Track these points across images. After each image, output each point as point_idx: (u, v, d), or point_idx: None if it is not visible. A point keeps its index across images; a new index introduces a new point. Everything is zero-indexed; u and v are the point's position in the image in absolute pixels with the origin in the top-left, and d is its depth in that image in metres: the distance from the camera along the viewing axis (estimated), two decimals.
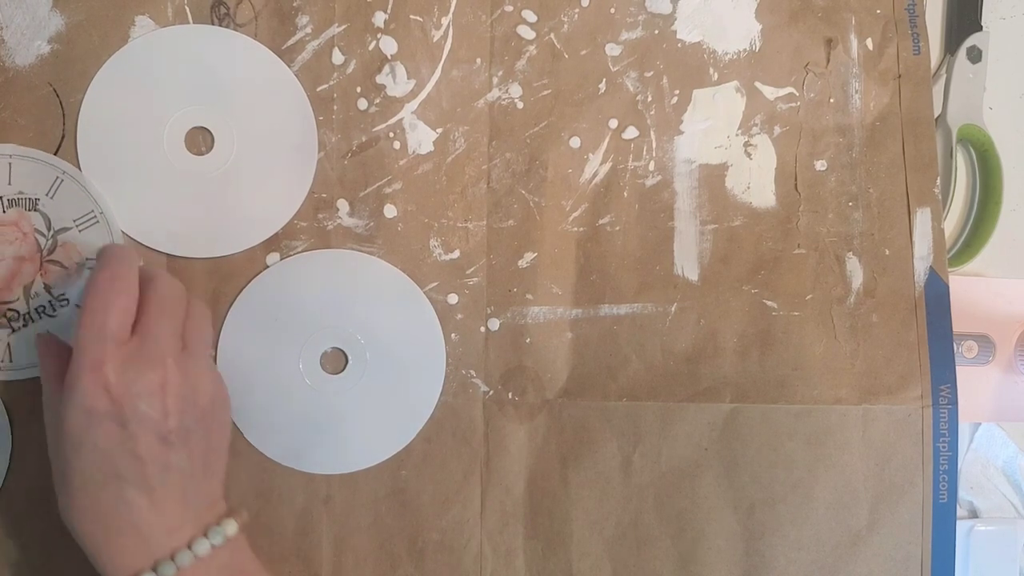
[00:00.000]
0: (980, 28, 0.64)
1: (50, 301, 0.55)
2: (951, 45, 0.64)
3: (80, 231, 0.55)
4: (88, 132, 0.56)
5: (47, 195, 0.55)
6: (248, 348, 0.57)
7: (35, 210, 0.55)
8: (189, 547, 0.47)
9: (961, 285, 0.61)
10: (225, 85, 0.57)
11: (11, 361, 0.55)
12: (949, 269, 0.61)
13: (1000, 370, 0.62)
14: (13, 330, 0.55)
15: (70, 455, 0.46)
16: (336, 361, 0.58)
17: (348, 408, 0.58)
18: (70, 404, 0.45)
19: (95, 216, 0.56)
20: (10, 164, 0.55)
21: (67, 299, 0.56)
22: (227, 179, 0.57)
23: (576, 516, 0.59)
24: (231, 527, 0.49)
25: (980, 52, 0.64)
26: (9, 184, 0.55)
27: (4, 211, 0.55)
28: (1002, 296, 0.63)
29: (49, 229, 0.55)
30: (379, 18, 0.59)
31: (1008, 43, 0.64)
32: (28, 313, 0.55)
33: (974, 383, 0.61)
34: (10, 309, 0.55)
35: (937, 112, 0.63)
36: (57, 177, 0.56)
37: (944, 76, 0.63)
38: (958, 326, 0.60)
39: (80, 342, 0.46)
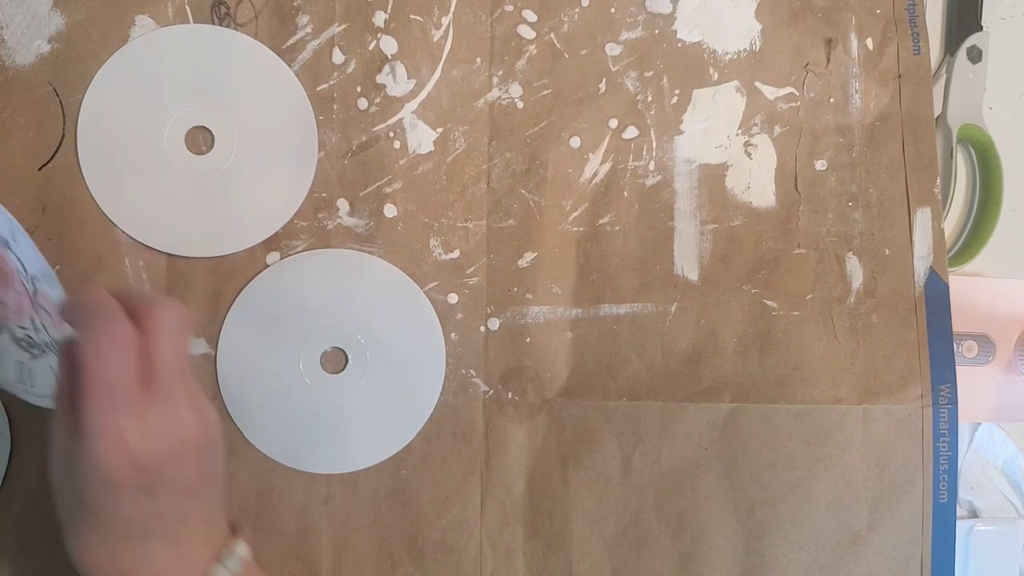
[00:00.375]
0: (980, 28, 0.64)
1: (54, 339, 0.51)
2: (951, 45, 0.64)
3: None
4: (88, 132, 0.56)
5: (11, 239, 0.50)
6: (248, 347, 0.57)
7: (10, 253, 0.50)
8: None
9: (961, 285, 0.61)
10: (225, 85, 0.57)
11: (33, 386, 0.52)
12: (949, 269, 0.61)
13: (1000, 370, 0.62)
14: (32, 355, 0.52)
15: (86, 516, 0.43)
16: (336, 361, 0.58)
17: (348, 408, 0.58)
18: (89, 471, 0.41)
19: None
20: None
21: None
22: (227, 178, 0.57)
23: (576, 516, 0.59)
24: (242, 548, 0.47)
25: (980, 52, 0.63)
26: None
27: None
28: (1002, 296, 0.63)
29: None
30: (379, 18, 0.59)
31: (1008, 43, 0.64)
32: (48, 343, 0.52)
33: (974, 383, 0.61)
34: (28, 336, 0.51)
35: (937, 112, 0.63)
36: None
37: (944, 76, 0.63)
38: (958, 326, 0.60)
39: (92, 413, 0.40)
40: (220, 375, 0.57)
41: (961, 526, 0.60)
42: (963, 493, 0.62)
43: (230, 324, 0.57)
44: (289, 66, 0.58)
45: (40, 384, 0.52)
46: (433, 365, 0.58)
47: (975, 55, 0.63)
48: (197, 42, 0.57)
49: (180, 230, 0.57)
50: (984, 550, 0.61)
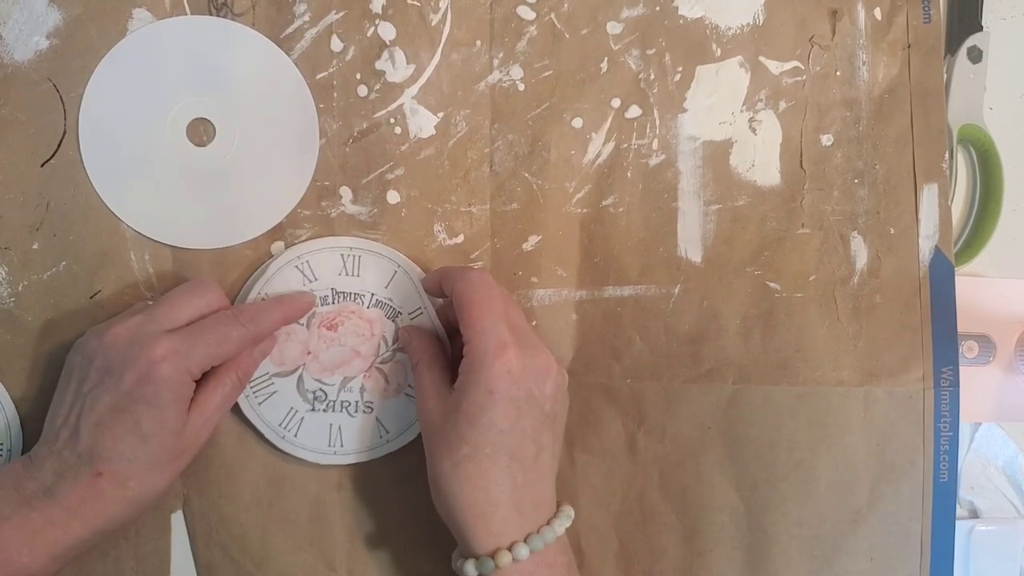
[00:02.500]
0: (980, 28, 0.62)
1: (357, 402, 0.58)
2: (952, 45, 0.63)
3: (412, 318, 0.58)
4: (89, 127, 0.56)
5: (409, 315, 0.58)
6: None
7: (392, 321, 0.58)
8: (549, 523, 0.51)
9: (962, 285, 0.60)
10: (225, 76, 0.57)
11: (296, 435, 0.57)
12: None
13: (1000, 370, 0.62)
14: (312, 408, 0.57)
15: (464, 429, 0.50)
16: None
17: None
18: (473, 384, 0.50)
19: (422, 310, 0.58)
20: (395, 274, 0.58)
21: (371, 407, 0.58)
22: (230, 170, 0.58)
23: (583, 492, 0.60)
24: (569, 509, 0.53)
25: (980, 52, 0.62)
26: (386, 288, 0.58)
27: (368, 307, 0.57)
28: (1003, 296, 0.62)
29: (394, 343, 0.58)
30: (376, 4, 0.58)
31: (1008, 43, 0.63)
32: (334, 402, 0.57)
33: (975, 383, 0.61)
34: (321, 389, 0.57)
35: None
36: (420, 307, 0.58)
37: (945, 76, 0.62)
38: (959, 326, 0.60)
39: (483, 325, 0.50)
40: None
41: (961, 526, 0.61)
42: (963, 493, 0.63)
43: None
44: (288, 55, 0.58)
45: (304, 436, 0.57)
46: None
47: (975, 55, 0.62)
48: (195, 33, 0.57)
49: (184, 222, 0.57)
50: (985, 550, 0.62)
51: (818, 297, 0.60)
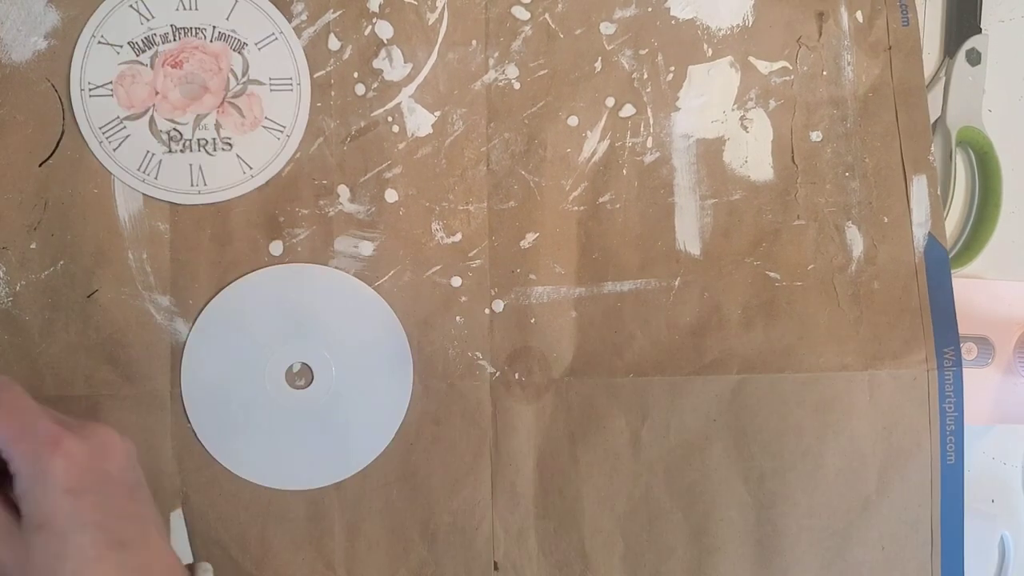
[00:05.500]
0: (979, 31, 0.64)
1: (214, 139, 0.57)
2: (950, 48, 0.64)
3: (271, 91, 0.58)
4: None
5: (256, 45, 0.57)
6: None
7: (239, 53, 0.57)
8: None
9: (960, 287, 0.61)
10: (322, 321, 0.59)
11: (156, 178, 0.57)
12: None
13: (999, 372, 0.63)
14: (169, 150, 0.57)
15: (57, 548, 0.42)
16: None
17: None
18: (43, 494, 0.42)
19: (290, 83, 0.58)
20: (235, 4, 0.57)
21: (230, 144, 0.57)
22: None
23: (587, 493, 0.59)
24: (206, 565, 0.51)
25: (979, 55, 0.64)
26: (227, 20, 0.57)
27: (211, 41, 0.57)
28: (1001, 298, 0.63)
29: (244, 75, 0.57)
30: (374, 3, 0.59)
31: (1007, 46, 0.65)
32: (190, 140, 0.57)
33: (974, 385, 0.61)
34: (175, 129, 0.57)
35: (936, 115, 0.63)
36: (272, 33, 0.57)
37: (943, 79, 0.63)
38: (958, 328, 0.60)
39: (21, 427, 0.43)
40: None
41: None
42: None
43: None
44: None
45: (164, 178, 0.57)
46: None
47: (974, 57, 0.64)
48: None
49: None
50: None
51: (818, 285, 0.60)
